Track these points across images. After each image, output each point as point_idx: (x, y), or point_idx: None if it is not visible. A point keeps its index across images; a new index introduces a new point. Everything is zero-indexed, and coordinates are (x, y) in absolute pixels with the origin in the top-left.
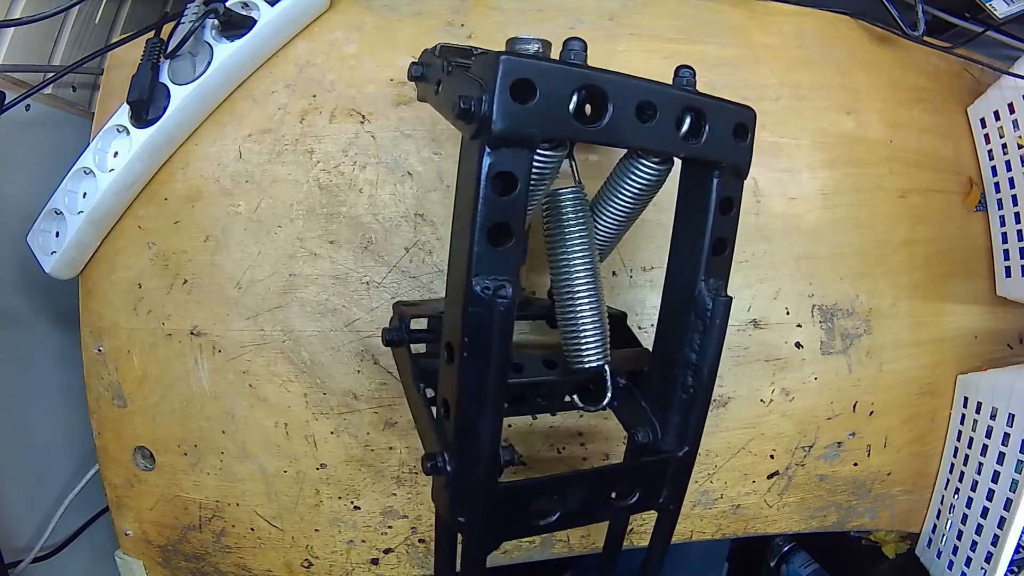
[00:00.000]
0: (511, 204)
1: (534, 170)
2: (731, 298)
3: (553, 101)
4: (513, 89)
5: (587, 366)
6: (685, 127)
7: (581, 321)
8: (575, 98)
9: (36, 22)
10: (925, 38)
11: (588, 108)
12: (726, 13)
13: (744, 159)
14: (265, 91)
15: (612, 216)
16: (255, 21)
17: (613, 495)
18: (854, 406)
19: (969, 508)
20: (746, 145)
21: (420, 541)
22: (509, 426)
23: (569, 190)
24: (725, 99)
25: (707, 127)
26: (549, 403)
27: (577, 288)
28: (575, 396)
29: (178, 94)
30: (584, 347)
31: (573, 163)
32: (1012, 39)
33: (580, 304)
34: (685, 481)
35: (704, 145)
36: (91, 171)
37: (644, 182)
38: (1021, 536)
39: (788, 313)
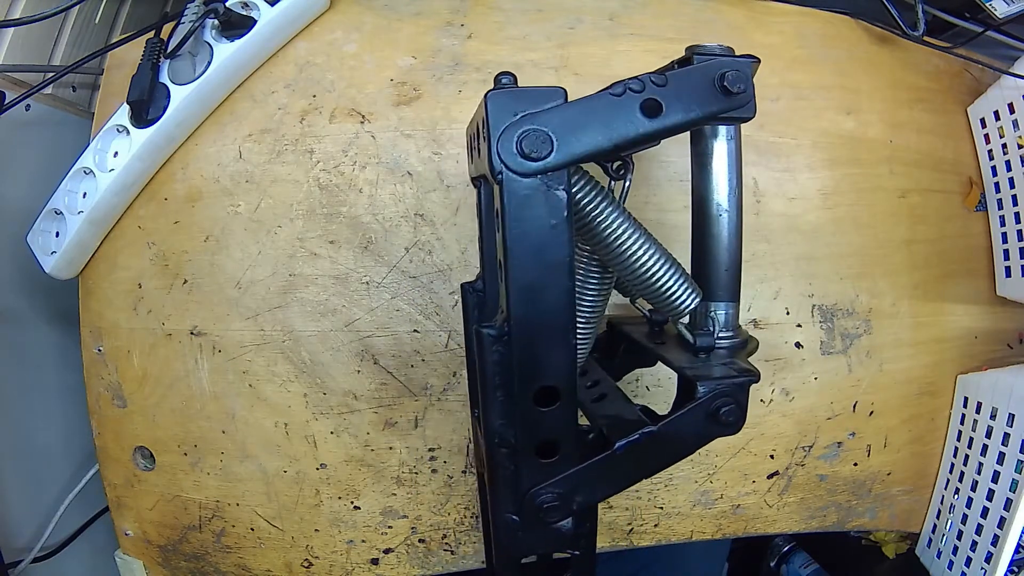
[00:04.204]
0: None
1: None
2: (486, 332)
3: None
4: None
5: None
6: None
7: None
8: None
9: (36, 22)
10: (925, 38)
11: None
12: (726, 13)
13: (487, 160)
14: (265, 91)
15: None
16: (255, 21)
17: None
18: (854, 406)
19: (969, 508)
20: (484, 144)
21: (420, 541)
22: None
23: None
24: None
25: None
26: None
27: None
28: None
29: (178, 94)
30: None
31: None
32: (1012, 39)
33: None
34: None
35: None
36: (91, 171)
37: None
38: (1021, 536)
39: (788, 313)
